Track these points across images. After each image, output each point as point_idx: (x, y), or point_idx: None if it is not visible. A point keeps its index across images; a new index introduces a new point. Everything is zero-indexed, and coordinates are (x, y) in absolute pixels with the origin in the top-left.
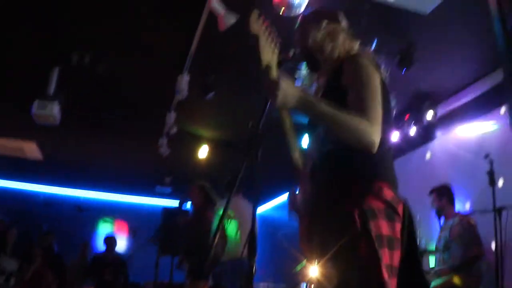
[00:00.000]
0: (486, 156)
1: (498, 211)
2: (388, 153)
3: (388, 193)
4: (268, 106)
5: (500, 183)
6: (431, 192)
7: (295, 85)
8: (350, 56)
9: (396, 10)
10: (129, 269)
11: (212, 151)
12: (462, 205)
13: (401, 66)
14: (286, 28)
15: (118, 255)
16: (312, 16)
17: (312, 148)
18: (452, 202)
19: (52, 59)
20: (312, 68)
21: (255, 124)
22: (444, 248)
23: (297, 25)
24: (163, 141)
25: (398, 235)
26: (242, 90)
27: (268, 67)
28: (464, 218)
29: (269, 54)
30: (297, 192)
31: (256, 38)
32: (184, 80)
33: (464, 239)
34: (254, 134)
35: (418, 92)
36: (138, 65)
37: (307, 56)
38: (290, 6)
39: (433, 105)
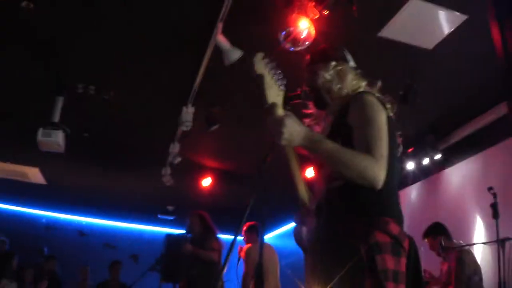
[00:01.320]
0: (490, 188)
1: (501, 242)
2: (395, 189)
3: (394, 228)
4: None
5: (504, 214)
6: (425, 237)
7: (300, 123)
8: (357, 94)
9: (401, 44)
10: None
11: (215, 181)
12: (465, 237)
13: (404, 102)
14: (293, 65)
15: (123, 283)
16: (320, 56)
17: (318, 183)
18: (449, 236)
19: (58, 87)
20: (320, 107)
21: (262, 162)
22: (447, 281)
23: (305, 64)
24: (166, 171)
25: (404, 269)
26: (246, 123)
27: (273, 106)
28: (463, 250)
29: (274, 93)
30: (302, 227)
31: (260, 78)
32: (189, 112)
33: (465, 271)
34: (261, 172)
35: (422, 125)
36: (144, 96)
37: (315, 95)
38: (296, 41)
39: (437, 138)
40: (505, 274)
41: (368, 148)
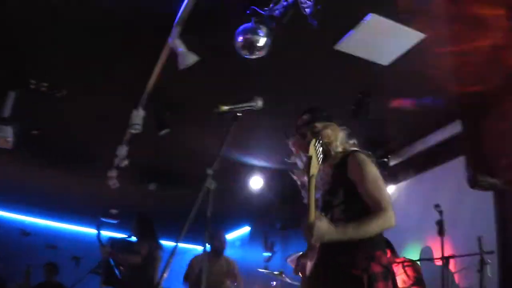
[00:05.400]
0: (436, 206)
1: (446, 259)
2: None
3: (385, 259)
4: (221, 150)
5: (450, 233)
6: None
7: (328, 224)
8: (351, 153)
9: (356, 59)
10: None
11: (162, 185)
12: (411, 253)
13: (356, 116)
14: None
15: (59, 283)
16: (316, 115)
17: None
18: (394, 252)
19: (11, 81)
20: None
21: (211, 171)
22: None
23: (303, 122)
24: (113, 173)
25: None
26: (196, 129)
27: (309, 211)
28: (408, 265)
29: (314, 168)
30: (303, 256)
31: (309, 158)
32: (139, 115)
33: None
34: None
35: (371, 140)
36: (96, 96)
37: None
38: (252, 48)
39: (386, 155)
40: None
41: (376, 202)
